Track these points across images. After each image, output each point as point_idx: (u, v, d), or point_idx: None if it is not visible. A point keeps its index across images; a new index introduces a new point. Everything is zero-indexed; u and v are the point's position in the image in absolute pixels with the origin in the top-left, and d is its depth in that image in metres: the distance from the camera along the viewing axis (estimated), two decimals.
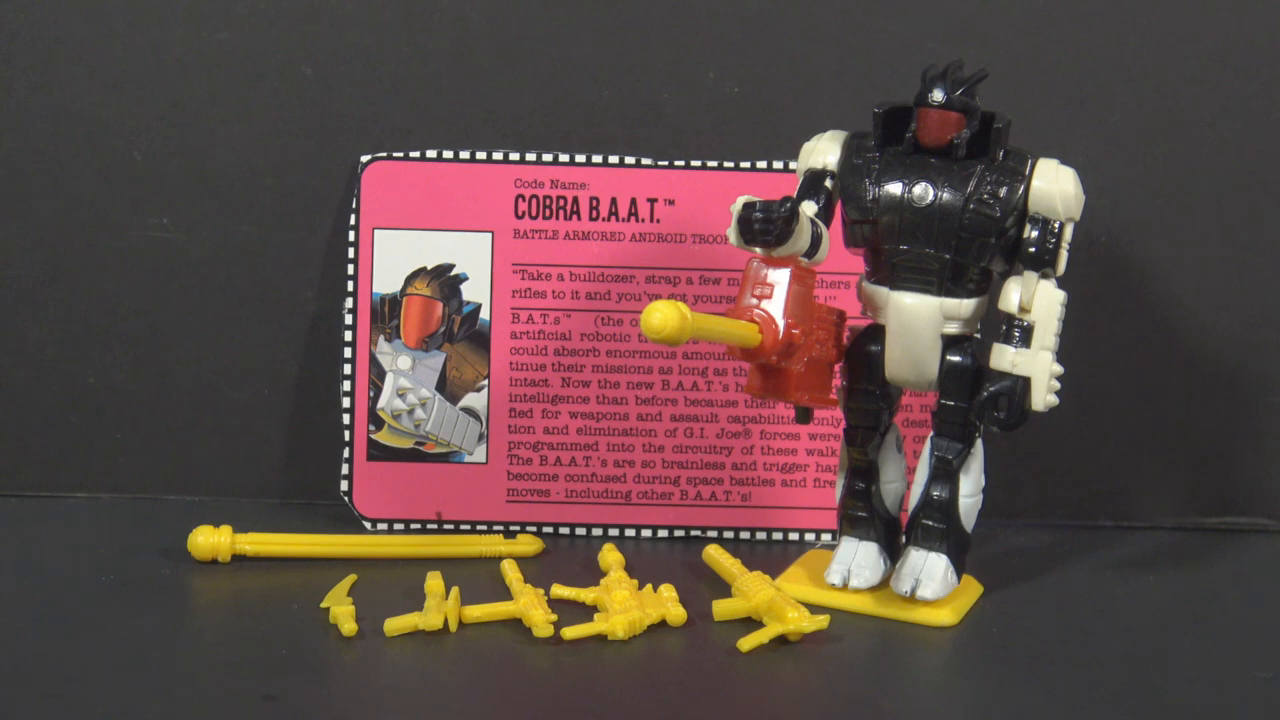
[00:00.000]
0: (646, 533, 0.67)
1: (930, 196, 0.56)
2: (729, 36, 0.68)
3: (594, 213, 0.67)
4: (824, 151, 0.58)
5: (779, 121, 0.68)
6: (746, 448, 0.67)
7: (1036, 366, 0.56)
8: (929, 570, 0.58)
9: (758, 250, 0.55)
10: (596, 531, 0.68)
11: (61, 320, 0.70)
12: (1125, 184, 0.67)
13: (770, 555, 0.66)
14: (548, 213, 0.67)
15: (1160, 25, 0.68)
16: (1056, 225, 0.56)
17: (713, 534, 0.67)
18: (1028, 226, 0.56)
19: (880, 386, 0.59)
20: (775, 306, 0.54)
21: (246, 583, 0.62)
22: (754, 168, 0.67)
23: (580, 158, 0.67)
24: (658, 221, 0.67)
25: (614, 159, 0.67)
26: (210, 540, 0.63)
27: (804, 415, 0.60)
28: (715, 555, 0.63)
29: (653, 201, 0.67)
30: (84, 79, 0.68)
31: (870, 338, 0.58)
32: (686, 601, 0.59)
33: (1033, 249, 0.56)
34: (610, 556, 0.63)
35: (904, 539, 0.60)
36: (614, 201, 0.67)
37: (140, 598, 0.60)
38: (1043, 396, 0.56)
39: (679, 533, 0.68)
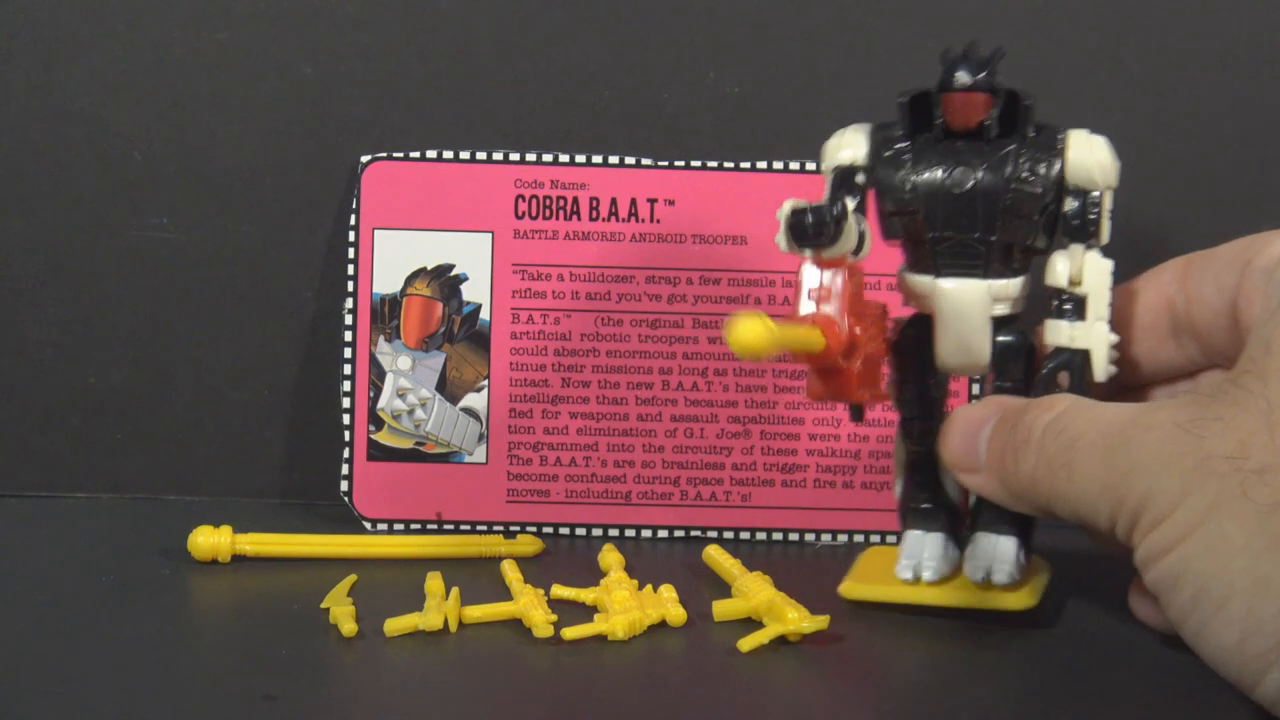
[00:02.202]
0: (646, 533, 0.67)
1: (970, 181, 0.55)
2: (729, 36, 0.68)
3: (594, 213, 0.67)
4: (850, 146, 0.57)
5: (779, 121, 0.68)
6: (746, 448, 0.67)
7: (1094, 337, 0.55)
8: (1001, 554, 0.57)
9: (807, 254, 0.54)
10: (596, 532, 0.68)
11: (61, 320, 0.70)
12: (1126, 183, 0.67)
13: (770, 555, 0.66)
14: (548, 213, 0.67)
15: (1161, 26, 0.68)
16: (1095, 195, 0.55)
17: (713, 534, 0.67)
18: (1068, 200, 0.55)
19: (932, 376, 0.58)
20: (834, 308, 0.54)
21: (246, 583, 0.62)
22: (754, 168, 0.67)
23: (580, 158, 0.67)
24: (658, 222, 0.67)
25: (614, 159, 0.67)
26: (210, 540, 0.63)
27: (857, 413, 0.59)
28: (715, 555, 0.63)
29: (653, 202, 0.67)
30: (84, 79, 0.68)
31: (916, 328, 0.57)
32: (686, 602, 0.59)
33: (1076, 221, 0.55)
34: (610, 557, 0.63)
35: (970, 524, 0.59)
36: (614, 202, 0.67)
37: (140, 598, 0.60)
38: (1104, 367, 0.56)
39: (679, 533, 0.68)
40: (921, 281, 0.57)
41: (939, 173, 0.55)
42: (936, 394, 0.58)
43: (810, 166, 0.66)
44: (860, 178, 0.57)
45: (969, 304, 0.56)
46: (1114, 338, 0.56)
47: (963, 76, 0.55)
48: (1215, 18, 0.68)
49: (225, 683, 0.53)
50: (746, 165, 0.67)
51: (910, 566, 0.58)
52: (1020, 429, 0.52)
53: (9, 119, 0.69)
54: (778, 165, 0.67)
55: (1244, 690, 0.47)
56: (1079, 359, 0.56)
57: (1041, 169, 0.55)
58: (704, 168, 0.67)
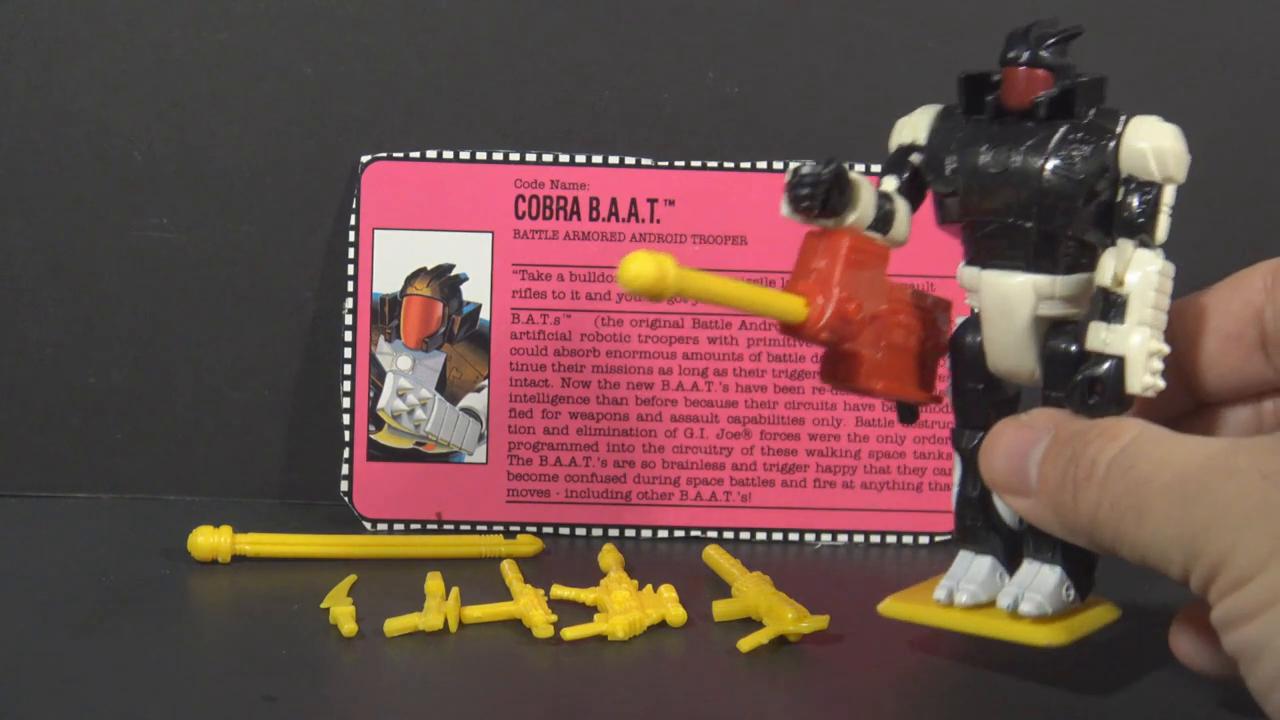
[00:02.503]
0: (646, 533, 0.67)
1: (1007, 160, 0.50)
2: (729, 36, 0.68)
3: (594, 213, 0.67)
4: (913, 126, 0.53)
5: (779, 121, 0.68)
6: (746, 448, 0.67)
7: (1130, 344, 0.49)
8: (1039, 583, 0.52)
9: (812, 224, 0.51)
10: (596, 532, 0.68)
11: (61, 320, 0.70)
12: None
13: (770, 556, 0.66)
14: (548, 213, 0.67)
15: (1161, 26, 0.68)
16: (1153, 188, 0.49)
17: (713, 534, 0.67)
18: (1121, 189, 0.50)
19: (986, 380, 0.53)
20: (827, 279, 0.50)
21: (246, 583, 0.61)
22: (754, 168, 0.67)
23: (580, 158, 0.67)
24: (658, 222, 0.67)
25: (614, 159, 0.67)
26: (210, 540, 0.63)
27: (905, 413, 0.55)
28: (715, 556, 0.63)
29: (653, 202, 0.67)
30: (84, 79, 0.68)
31: (970, 327, 0.53)
32: (686, 602, 0.59)
33: (1126, 214, 0.50)
34: (610, 557, 0.63)
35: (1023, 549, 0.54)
36: (614, 202, 0.67)
37: (140, 598, 0.60)
38: (1140, 378, 0.49)
39: (679, 533, 0.68)
40: (970, 274, 0.52)
41: (980, 151, 0.51)
42: (991, 401, 0.53)
43: (810, 167, 0.66)
44: (915, 158, 0.53)
45: (1011, 299, 0.51)
46: (1159, 347, 0.50)
47: (1019, 51, 0.51)
48: (1217, 18, 0.68)
49: (225, 683, 0.53)
50: (746, 165, 0.67)
51: (947, 587, 0.54)
52: (1082, 462, 0.48)
53: (9, 119, 0.69)
54: (778, 165, 0.67)
55: None
56: (1114, 367, 0.50)
57: (1087, 152, 0.50)
58: (704, 168, 0.67)
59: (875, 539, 0.67)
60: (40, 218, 0.69)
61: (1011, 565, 0.54)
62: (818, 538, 0.67)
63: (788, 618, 0.56)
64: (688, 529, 0.68)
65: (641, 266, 0.44)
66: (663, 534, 0.67)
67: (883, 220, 0.51)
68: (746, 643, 0.55)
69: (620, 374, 0.67)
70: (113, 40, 0.68)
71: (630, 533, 0.67)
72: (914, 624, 0.54)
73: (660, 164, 0.67)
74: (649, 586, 0.60)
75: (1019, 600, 0.52)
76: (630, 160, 0.67)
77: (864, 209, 0.50)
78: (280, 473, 0.70)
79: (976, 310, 0.53)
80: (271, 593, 0.60)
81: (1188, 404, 0.54)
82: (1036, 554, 0.52)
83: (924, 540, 0.67)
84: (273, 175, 0.69)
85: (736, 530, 0.67)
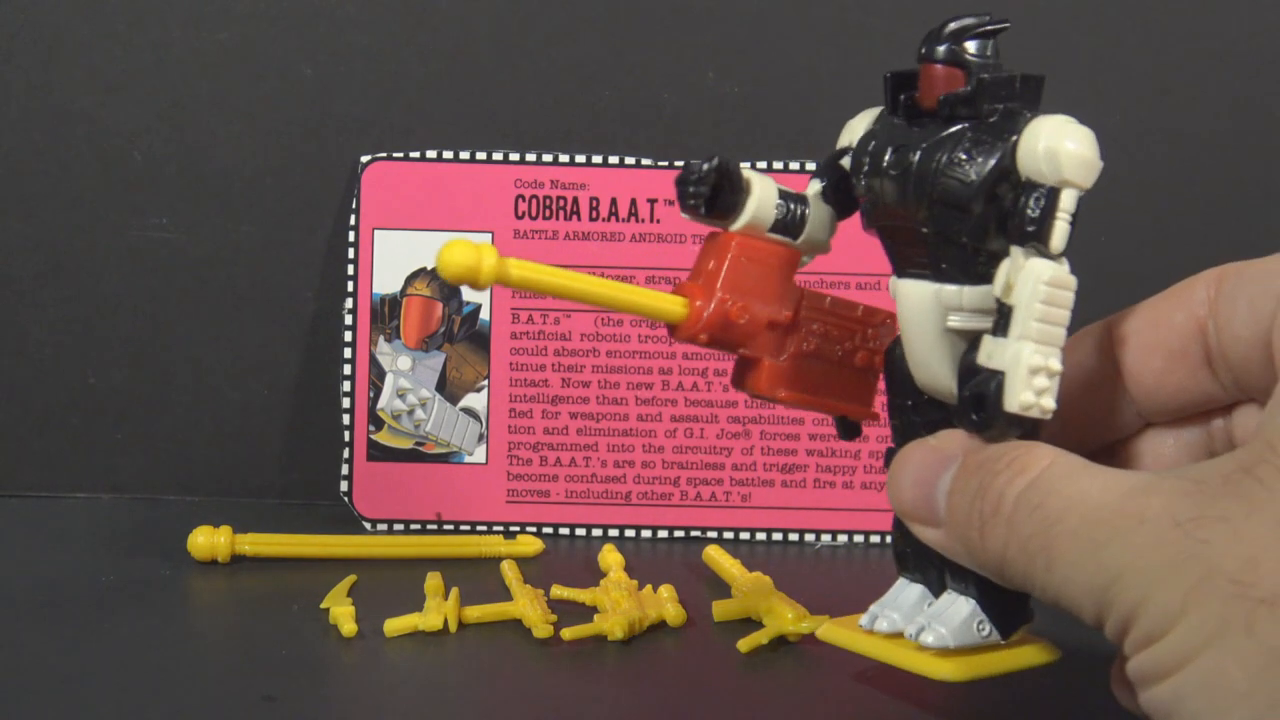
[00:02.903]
0: (646, 533, 0.67)
1: (905, 160, 0.47)
2: (729, 36, 0.68)
3: (594, 213, 0.67)
4: (852, 129, 0.50)
5: (779, 121, 0.68)
6: (746, 448, 0.67)
7: (1009, 358, 0.45)
8: (949, 615, 0.49)
9: (711, 225, 0.49)
10: (596, 532, 0.68)
11: (61, 320, 0.70)
12: (1124, 184, 0.67)
13: (770, 556, 0.66)
14: (548, 213, 0.67)
15: (1159, 26, 0.68)
16: (1047, 191, 0.45)
17: (712, 534, 0.67)
18: (1019, 193, 0.46)
19: (916, 398, 0.49)
20: (711, 279, 0.48)
21: (246, 583, 0.62)
22: (754, 168, 0.67)
23: (580, 158, 0.67)
24: (658, 222, 0.67)
25: (614, 159, 0.67)
26: (210, 540, 0.63)
27: (843, 429, 0.52)
28: (715, 556, 0.63)
29: (653, 202, 0.67)
30: (84, 79, 0.68)
31: (900, 342, 0.50)
32: (686, 602, 0.59)
33: (1017, 219, 0.45)
34: (610, 557, 0.63)
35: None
36: (614, 202, 0.67)
37: (140, 598, 0.60)
38: (1018, 395, 0.45)
39: (679, 533, 0.68)
40: (892, 283, 0.49)
41: (882, 152, 0.48)
42: (924, 421, 0.49)
43: (810, 166, 0.66)
44: (845, 161, 0.50)
45: (917, 309, 0.48)
46: (1043, 363, 0.45)
47: (929, 46, 0.47)
48: (1215, 18, 0.68)
49: (225, 683, 0.53)
50: (746, 166, 0.67)
51: (872, 613, 0.51)
52: (989, 495, 0.44)
53: (9, 119, 0.69)
54: (778, 165, 0.67)
55: None
56: (995, 383, 0.45)
57: (981, 153, 0.46)
58: None
59: (875, 539, 0.67)
60: (40, 218, 0.69)
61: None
62: (818, 538, 0.67)
63: (788, 618, 0.56)
64: (688, 529, 0.68)
65: (454, 254, 0.43)
66: (663, 534, 0.68)
67: (789, 224, 0.49)
68: (746, 643, 0.55)
69: (620, 374, 0.67)
70: (113, 40, 0.68)
71: (630, 533, 0.67)
72: (843, 650, 0.51)
73: (660, 164, 0.67)
74: (648, 587, 0.60)
75: (924, 630, 0.48)
76: (630, 160, 0.67)
77: (760, 210, 0.48)
78: (280, 473, 0.70)
79: None
80: (271, 593, 0.60)
81: (1135, 423, 0.50)
82: (953, 583, 0.49)
83: None
84: (273, 175, 0.69)
85: (736, 530, 0.67)
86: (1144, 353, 0.49)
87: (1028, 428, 0.46)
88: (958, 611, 0.49)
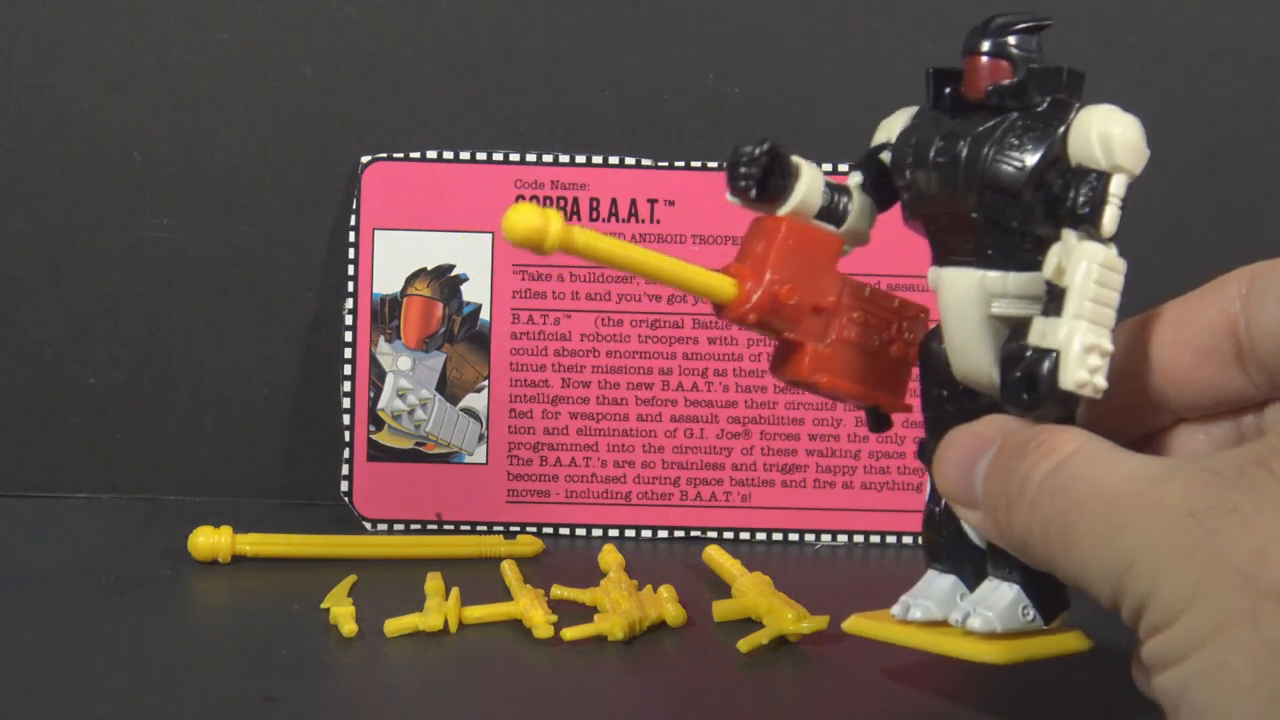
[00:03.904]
0: (646, 533, 0.67)
1: (954, 148, 0.48)
2: (729, 37, 0.68)
3: (594, 213, 0.67)
4: (888, 126, 0.51)
5: (779, 122, 0.68)
6: (746, 448, 0.67)
7: (1064, 337, 0.46)
8: (993, 600, 0.49)
9: (759, 209, 0.50)
10: (596, 532, 0.68)
11: (61, 320, 0.70)
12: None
13: (770, 556, 0.66)
14: None
15: (1160, 26, 0.68)
16: (1099, 176, 0.47)
17: (712, 535, 0.67)
18: (1070, 178, 0.47)
19: (951, 388, 0.50)
20: (760, 261, 0.48)
21: (246, 583, 0.62)
22: None
23: (580, 158, 0.67)
24: (658, 222, 0.67)
25: (614, 159, 0.67)
26: (210, 541, 0.63)
27: (875, 421, 0.53)
28: (715, 556, 0.63)
29: (653, 202, 0.67)
30: (84, 79, 0.68)
31: (937, 333, 0.51)
32: (686, 602, 0.59)
33: (1069, 203, 0.47)
34: (610, 557, 0.63)
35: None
36: (614, 202, 0.67)
37: (140, 598, 0.60)
38: (1073, 373, 0.46)
39: (679, 533, 0.68)
40: (933, 274, 0.50)
41: (930, 142, 0.49)
42: (959, 411, 0.50)
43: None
44: (885, 156, 0.51)
45: (961, 296, 0.49)
46: (1097, 342, 0.46)
47: (977, 39, 0.49)
48: (1215, 22, 0.68)
49: (225, 683, 0.53)
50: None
51: (904, 603, 0.51)
52: (1016, 476, 0.45)
53: (9, 119, 0.69)
54: None
55: None
56: (1048, 362, 0.46)
57: (1032, 139, 0.48)
58: (704, 168, 0.67)
59: (875, 539, 0.67)
60: (40, 218, 0.69)
61: (976, 585, 0.51)
62: (818, 538, 0.67)
63: (788, 618, 0.56)
64: (688, 529, 0.68)
65: (521, 217, 0.43)
66: (663, 534, 0.68)
67: (833, 212, 0.50)
68: (746, 643, 0.55)
69: (620, 374, 0.67)
70: (113, 40, 0.68)
71: (630, 533, 0.67)
72: (874, 640, 0.51)
73: (660, 164, 0.67)
74: (649, 587, 0.60)
75: (969, 615, 0.49)
76: (630, 161, 0.67)
77: (807, 196, 0.49)
78: (280, 473, 0.70)
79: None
80: (271, 593, 0.60)
81: (1166, 419, 0.51)
82: (996, 570, 0.50)
83: None
84: (273, 175, 0.69)
85: (736, 530, 0.67)
86: (1174, 349, 0.49)
87: (1071, 409, 0.47)
88: (1002, 596, 0.49)
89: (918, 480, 0.67)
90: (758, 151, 0.48)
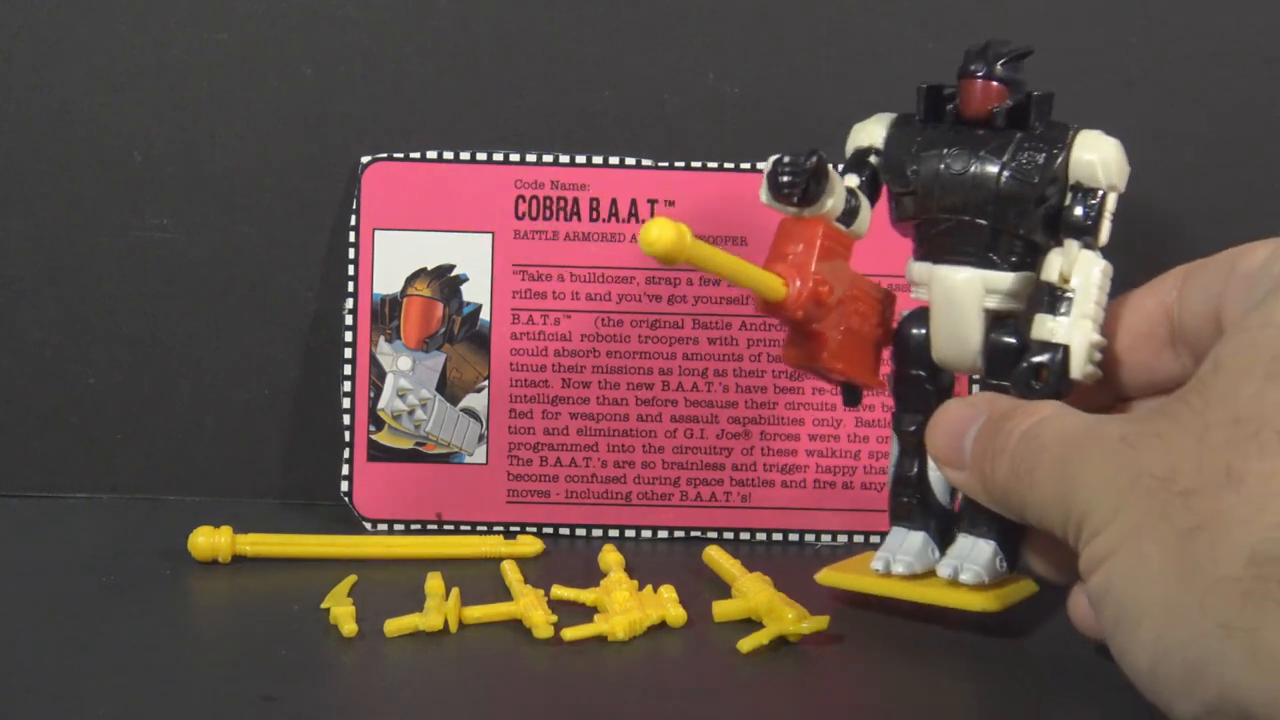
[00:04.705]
0: (646, 534, 0.67)
1: (967, 163, 0.56)
2: (729, 37, 0.68)
3: (594, 214, 0.67)
4: (870, 131, 0.58)
5: (779, 122, 0.68)
6: (746, 449, 0.67)
7: (1076, 335, 0.55)
8: (975, 555, 0.57)
9: (790, 211, 0.55)
10: (596, 532, 0.68)
11: (61, 320, 0.70)
12: (1131, 185, 0.67)
13: (770, 556, 0.66)
14: (548, 213, 0.67)
15: (1162, 26, 0.68)
16: (1098, 195, 0.55)
17: (713, 535, 0.67)
18: (1069, 195, 0.55)
19: (928, 369, 0.58)
20: (803, 262, 0.54)
21: (246, 583, 0.62)
22: (754, 169, 0.67)
23: (580, 158, 0.67)
24: None
25: (614, 160, 0.67)
26: (210, 541, 0.63)
27: (850, 395, 0.59)
28: (715, 556, 0.63)
29: (653, 202, 0.67)
30: (84, 79, 0.68)
31: (916, 319, 0.58)
32: (686, 602, 0.59)
33: (1073, 218, 0.55)
34: (610, 557, 0.63)
35: (957, 525, 0.59)
36: (614, 202, 0.67)
37: (140, 598, 0.60)
38: (1081, 365, 0.55)
39: (679, 534, 0.68)
40: (922, 269, 0.57)
41: (940, 155, 0.56)
42: (932, 389, 0.58)
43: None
44: (874, 159, 0.58)
45: (961, 292, 0.56)
46: (1098, 338, 0.55)
47: (978, 64, 0.56)
48: (1216, 19, 0.68)
49: (225, 683, 0.53)
50: (746, 165, 0.67)
51: (883, 558, 0.59)
52: (1001, 434, 0.52)
53: (9, 119, 0.69)
54: None
55: (1164, 713, 0.46)
56: (1059, 355, 0.55)
57: (1042, 159, 0.55)
58: (704, 168, 0.67)
59: (875, 539, 0.67)
60: (40, 218, 0.69)
61: (942, 542, 0.59)
62: (818, 538, 0.67)
63: (788, 618, 0.56)
64: (688, 529, 0.68)
65: (662, 231, 0.48)
66: (663, 534, 0.68)
67: (849, 213, 0.56)
68: (746, 643, 0.55)
69: (620, 374, 0.67)
70: (113, 40, 0.68)
71: (630, 533, 0.67)
72: (852, 591, 0.59)
73: (660, 164, 0.67)
74: (649, 587, 0.60)
75: (959, 570, 0.57)
76: (630, 161, 0.67)
77: (837, 200, 0.55)
78: (280, 473, 0.70)
79: (925, 300, 0.57)
80: (271, 593, 0.60)
81: (1107, 399, 0.57)
82: (972, 528, 0.58)
83: None
84: (273, 175, 0.69)
85: (736, 530, 0.67)
86: (1118, 334, 0.57)
87: (1067, 394, 0.55)
88: (981, 552, 0.57)
89: None
90: (808, 165, 0.54)
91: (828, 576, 0.60)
